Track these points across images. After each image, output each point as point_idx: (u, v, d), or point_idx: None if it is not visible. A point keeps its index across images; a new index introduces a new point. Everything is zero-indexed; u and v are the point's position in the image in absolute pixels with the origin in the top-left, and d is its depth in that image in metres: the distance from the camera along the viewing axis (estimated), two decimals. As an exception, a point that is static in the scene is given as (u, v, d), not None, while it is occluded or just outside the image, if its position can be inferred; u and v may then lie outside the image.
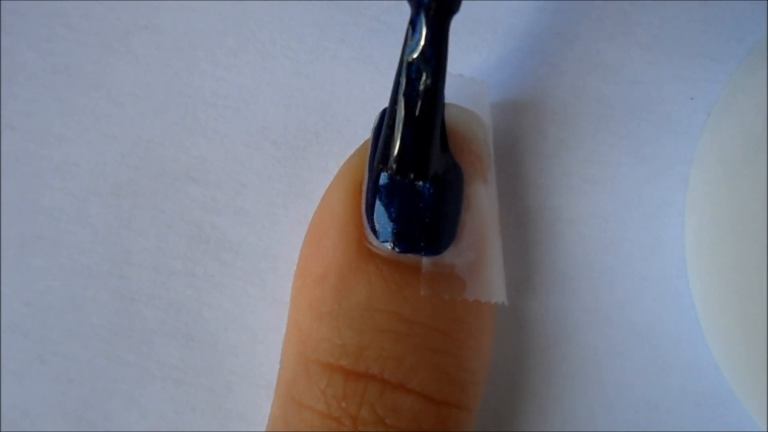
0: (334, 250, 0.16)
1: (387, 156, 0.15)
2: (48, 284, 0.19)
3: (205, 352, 0.18)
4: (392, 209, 0.15)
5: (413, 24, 0.14)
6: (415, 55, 0.14)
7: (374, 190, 0.15)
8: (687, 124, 0.19)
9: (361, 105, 0.19)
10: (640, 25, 0.19)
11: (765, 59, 0.17)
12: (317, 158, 0.19)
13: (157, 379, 0.18)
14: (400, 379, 0.15)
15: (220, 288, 0.19)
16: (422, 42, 0.14)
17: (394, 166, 0.15)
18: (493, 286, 0.16)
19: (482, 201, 0.16)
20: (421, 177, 0.15)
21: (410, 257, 0.15)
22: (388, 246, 0.15)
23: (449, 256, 0.15)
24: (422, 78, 0.14)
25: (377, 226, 0.15)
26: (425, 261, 0.15)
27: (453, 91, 0.17)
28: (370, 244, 0.16)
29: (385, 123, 0.15)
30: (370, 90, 0.19)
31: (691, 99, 0.19)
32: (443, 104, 0.15)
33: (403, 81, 0.14)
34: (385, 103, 0.16)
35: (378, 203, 0.15)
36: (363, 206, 0.16)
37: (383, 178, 0.15)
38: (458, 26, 0.18)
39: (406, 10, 0.15)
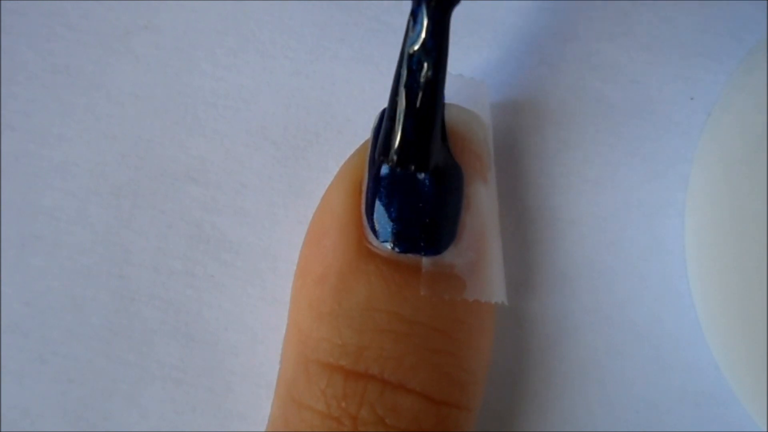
0: (334, 250, 0.16)
1: (388, 148, 0.15)
2: (48, 284, 0.19)
3: (205, 352, 0.18)
4: (392, 209, 0.15)
5: (414, 15, 0.14)
6: (416, 47, 0.14)
7: (374, 190, 0.15)
8: (687, 124, 0.19)
9: (361, 105, 0.19)
10: (640, 25, 0.19)
11: (765, 59, 0.17)
12: (317, 158, 0.19)
13: (157, 379, 0.18)
14: (400, 379, 0.15)
15: (220, 288, 0.19)
16: (423, 33, 0.14)
17: (395, 157, 0.15)
18: (493, 286, 0.16)
19: (482, 201, 0.16)
20: (421, 168, 0.15)
21: (410, 257, 0.15)
22: (388, 246, 0.15)
23: (449, 256, 0.15)
24: (423, 69, 0.14)
25: (377, 226, 0.15)
26: (425, 261, 0.15)
27: (453, 91, 0.17)
28: (370, 244, 0.16)
29: (385, 116, 0.15)
30: (370, 90, 0.19)
31: (691, 99, 0.19)
32: (444, 96, 0.15)
33: (404, 72, 0.14)
34: (385, 103, 0.16)
35: (378, 203, 0.15)
36: (363, 206, 0.16)
37: (384, 169, 0.15)
38: (458, 26, 0.18)
39: (406, 10, 0.15)
